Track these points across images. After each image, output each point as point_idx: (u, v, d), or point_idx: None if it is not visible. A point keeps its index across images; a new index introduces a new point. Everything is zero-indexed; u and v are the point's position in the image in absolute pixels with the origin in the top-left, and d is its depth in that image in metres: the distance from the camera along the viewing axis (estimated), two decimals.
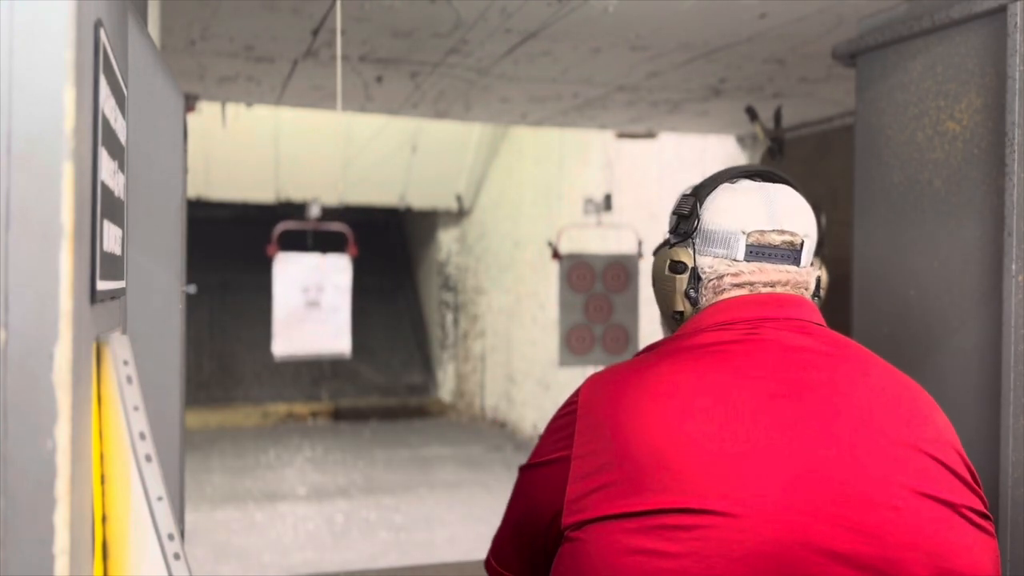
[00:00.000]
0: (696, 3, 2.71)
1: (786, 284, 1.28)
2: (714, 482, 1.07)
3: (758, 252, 1.27)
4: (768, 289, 1.27)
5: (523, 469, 1.28)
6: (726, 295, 1.29)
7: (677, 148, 6.65)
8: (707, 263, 1.30)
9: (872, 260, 2.17)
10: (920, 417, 1.17)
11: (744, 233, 1.28)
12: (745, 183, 1.33)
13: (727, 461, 1.08)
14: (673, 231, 1.35)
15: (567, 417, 1.21)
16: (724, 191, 1.32)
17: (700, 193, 1.33)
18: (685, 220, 1.33)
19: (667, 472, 1.08)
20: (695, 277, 1.30)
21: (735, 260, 1.28)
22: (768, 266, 1.27)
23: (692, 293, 1.30)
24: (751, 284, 1.27)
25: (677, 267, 1.32)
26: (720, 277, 1.29)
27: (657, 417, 1.12)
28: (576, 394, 1.23)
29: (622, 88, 3.92)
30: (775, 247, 1.28)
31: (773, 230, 1.28)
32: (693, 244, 1.32)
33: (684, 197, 1.35)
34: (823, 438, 1.10)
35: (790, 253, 1.28)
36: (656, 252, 1.38)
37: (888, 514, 1.08)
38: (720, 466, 1.08)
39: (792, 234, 1.28)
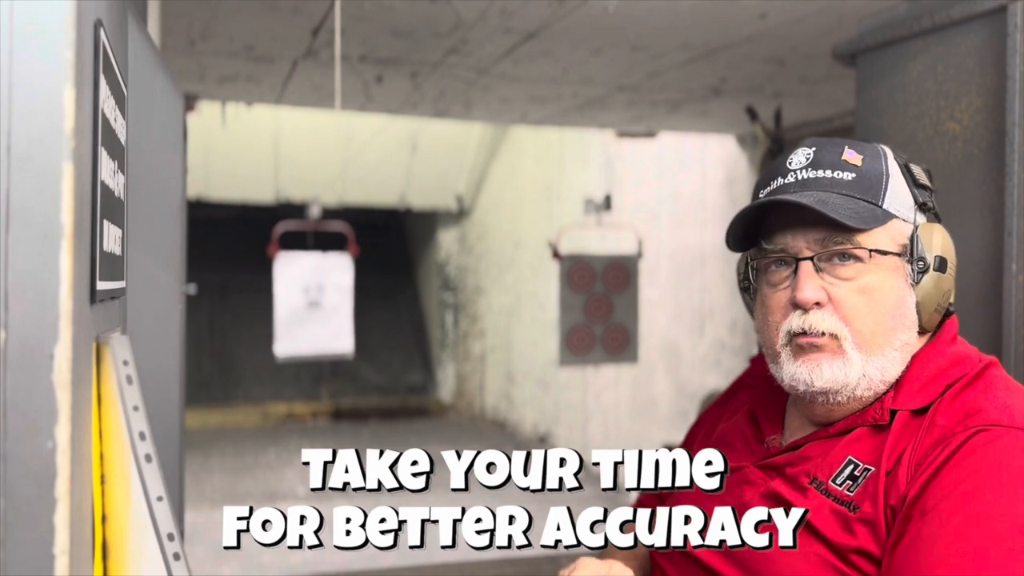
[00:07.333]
0: (696, 3, 2.70)
1: None
2: None
3: None
4: None
5: None
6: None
7: (677, 148, 6.64)
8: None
9: None
10: None
11: None
12: None
13: None
14: (922, 205, 1.02)
15: None
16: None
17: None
18: (928, 194, 1.04)
19: None
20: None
21: None
22: None
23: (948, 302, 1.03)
24: None
25: (942, 263, 1.02)
26: None
27: None
28: None
29: (622, 88, 3.92)
30: None
31: None
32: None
33: (914, 166, 1.05)
34: None
35: None
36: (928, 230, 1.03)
37: None
38: None
39: None
